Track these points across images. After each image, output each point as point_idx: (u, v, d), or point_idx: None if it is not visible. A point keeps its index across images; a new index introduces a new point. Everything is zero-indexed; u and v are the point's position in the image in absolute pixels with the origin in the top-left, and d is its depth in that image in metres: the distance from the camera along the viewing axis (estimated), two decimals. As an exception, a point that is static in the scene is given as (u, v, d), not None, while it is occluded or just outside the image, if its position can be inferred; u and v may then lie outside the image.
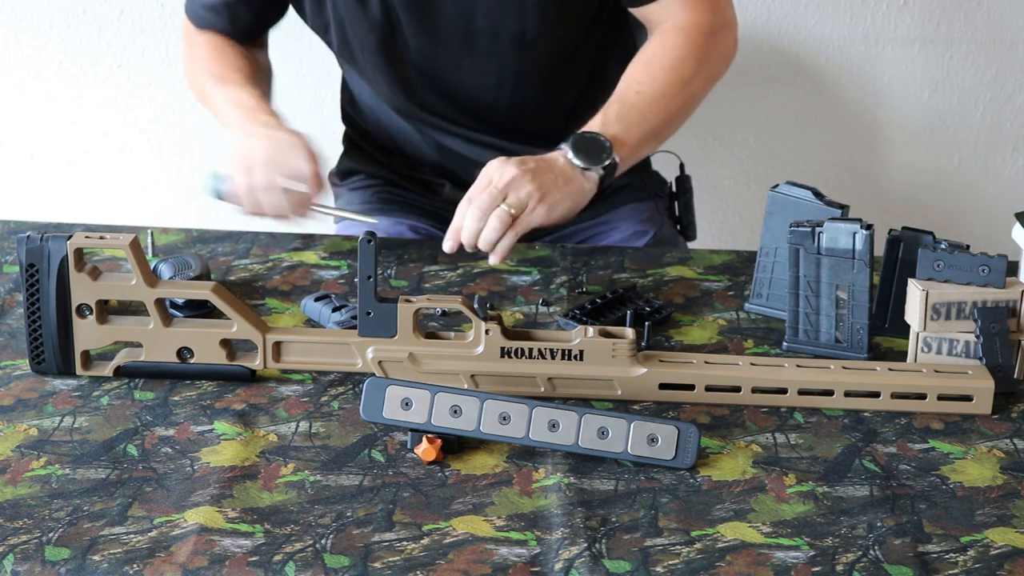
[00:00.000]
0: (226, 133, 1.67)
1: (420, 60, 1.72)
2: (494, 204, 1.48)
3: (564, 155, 1.54)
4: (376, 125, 1.88)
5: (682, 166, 1.96)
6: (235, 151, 1.60)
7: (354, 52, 1.75)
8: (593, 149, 1.54)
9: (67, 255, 1.27)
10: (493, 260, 1.49)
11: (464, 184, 1.61)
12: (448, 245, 1.50)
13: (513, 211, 1.47)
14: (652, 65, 1.65)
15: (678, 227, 1.94)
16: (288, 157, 1.57)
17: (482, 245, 1.48)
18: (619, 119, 1.58)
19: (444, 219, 1.85)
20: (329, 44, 1.80)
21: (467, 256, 1.61)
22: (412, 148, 1.85)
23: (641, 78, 1.63)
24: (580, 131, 1.56)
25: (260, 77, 1.79)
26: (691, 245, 1.95)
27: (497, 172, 1.50)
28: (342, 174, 1.96)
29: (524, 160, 1.51)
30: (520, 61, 1.71)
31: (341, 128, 1.97)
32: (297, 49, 2.41)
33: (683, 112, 1.68)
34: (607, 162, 1.54)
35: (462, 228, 1.49)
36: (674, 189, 1.96)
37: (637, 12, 1.72)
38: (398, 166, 1.88)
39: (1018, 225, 1.31)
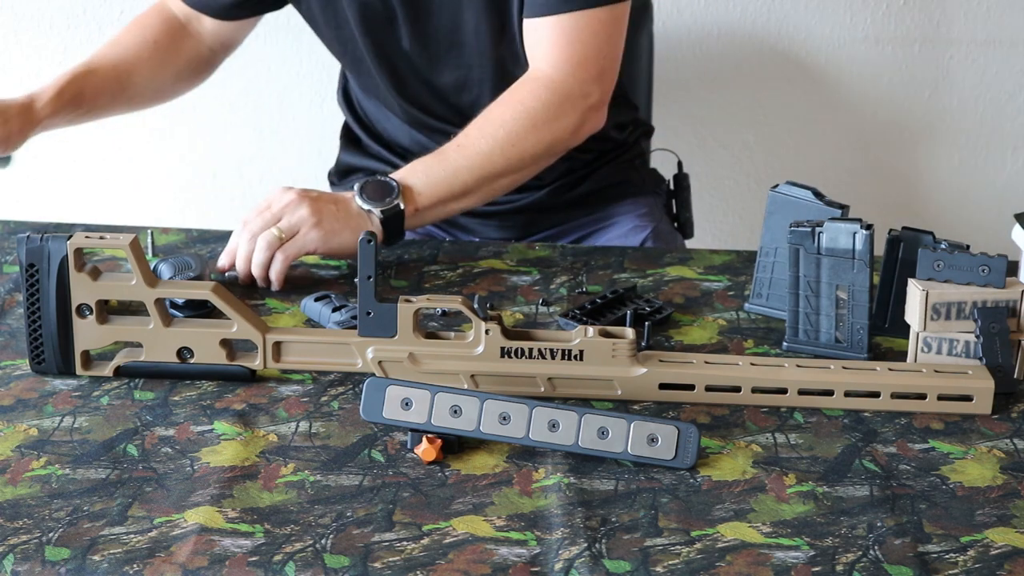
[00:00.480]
0: None
1: (411, 51, 1.72)
2: (265, 227, 1.49)
3: (350, 194, 1.55)
4: (369, 114, 1.88)
5: (680, 164, 1.96)
6: None
7: (347, 39, 1.75)
8: (378, 192, 1.54)
9: (67, 255, 1.27)
10: (273, 286, 1.50)
11: None
12: (224, 261, 1.52)
13: (283, 235, 1.49)
14: (489, 118, 1.61)
15: (675, 225, 1.94)
16: None
17: (253, 268, 1.49)
18: (426, 171, 1.58)
19: None
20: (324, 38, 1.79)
21: (467, 256, 1.62)
22: (402, 140, 1.85)
23: (471, 131, 1.61)
24: (376, 175, 1.57)
25: (142, 58, 1.78)
26: (691, 245, 1.95)
27: (276, 197, 1.52)
28: (340, 173, 1.96)
29: (308, 190, 1.53)
30: (501, 59, 1.71)
31: (339, 129, 1.97)
32: (297, 49, 2.41)
33: (506, 174, 1.62)
34: (388, 207, 1.53)
35: (233, 249, 1.52)
36: (672, 187, 1.96)
37: (525, 27, 1.67)
38: (391, 155, 1.88)
39: (1018, 226, 1.31)
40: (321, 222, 1.50)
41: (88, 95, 1.71)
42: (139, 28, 1.80)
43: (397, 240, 1.56)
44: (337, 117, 1.98)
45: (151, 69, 1.78)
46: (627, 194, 1.87)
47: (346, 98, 1.93)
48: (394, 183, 1.55)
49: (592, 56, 1.63)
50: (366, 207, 1.53)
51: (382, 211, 1.53)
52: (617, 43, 1.66)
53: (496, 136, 1.60)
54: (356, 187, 1.55)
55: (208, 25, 1.80)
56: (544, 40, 1.63)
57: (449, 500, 1.12)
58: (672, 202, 1.95)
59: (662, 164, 2.00)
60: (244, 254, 1.50)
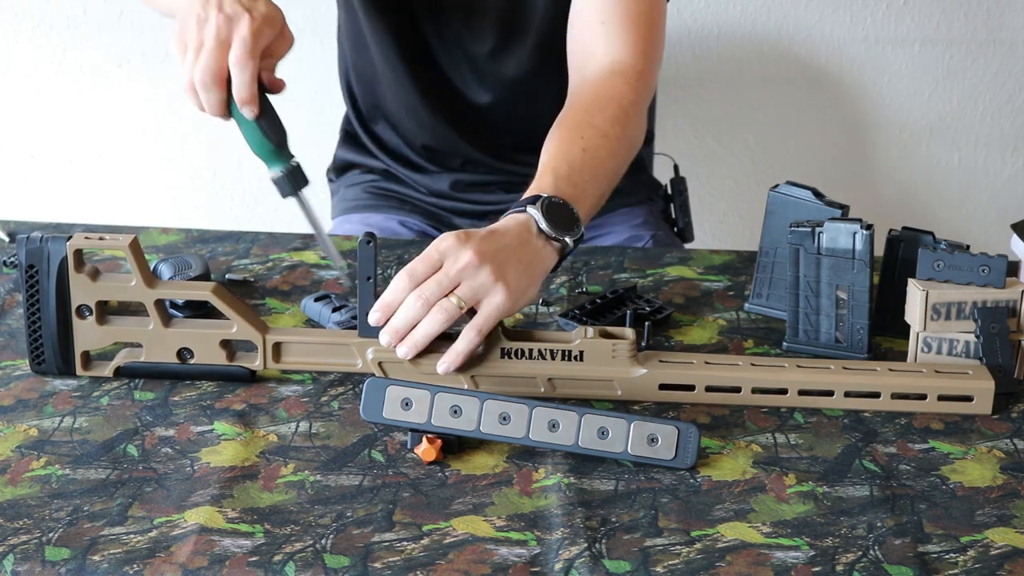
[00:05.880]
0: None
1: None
2: (442, 292, 1.22)
3: (527, 225, 1.28)
4: (374, 94, 1.86)
5: (676, 168, 1.95)
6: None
7: None
8: (563, 217, 1.29)
9: (67, 256, 1.27)
10: (442, 368, 1.24)
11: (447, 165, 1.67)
12: (376, 317, 1.24)
13: (463, 304, 1.22)
14: (594, 115, 1.41)
15: (675, 229, 1.93)
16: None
17: (421, 336, 1.23)
18: (571, 182, 1.32)
19: (435, 216, 1.85)
20: None
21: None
22: (408, 117, 1.82)
23: (585, 132, 1.39)
24: (545, 195, 1.30)
25: None
26: (691, 245, 1.95)
27: (447, 252, 1.23)
28: (338, 169, 1.95)
29: (476, 236, 1.24)
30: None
31: (339, 129, 1.97)
32: (297, 48, 2.40)
33: (621, 172, 1.44)
34: (578, 234, 1.29)
35: (394, 307, 1.24)
36: (669, 191, 1.95)
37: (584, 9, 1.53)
38: (392, 149, 1.87)
39: (1015, 237, 1.31)
40: (507, 281, 1.22)
41: None
42: None
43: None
44: (337, 117, 1.98)
45: None
46: (623, 203, 1.84)
47: (348, 87, 1.91)
48: (571, 206, 1.30)
49: (661, 40, 1.53)
50: (555, 235, 1.27)
51: (573, 239, 1.29)
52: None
53: (610, 135, 1.40)
54: (536, 213, 1.27)
55: None
56: (604, 37, 1.50)
57: (449, 500, 1.12)
58: (670, 207, 1.94)
59: (657, 167, 2.00)
60: (410, 318, 1.22)
